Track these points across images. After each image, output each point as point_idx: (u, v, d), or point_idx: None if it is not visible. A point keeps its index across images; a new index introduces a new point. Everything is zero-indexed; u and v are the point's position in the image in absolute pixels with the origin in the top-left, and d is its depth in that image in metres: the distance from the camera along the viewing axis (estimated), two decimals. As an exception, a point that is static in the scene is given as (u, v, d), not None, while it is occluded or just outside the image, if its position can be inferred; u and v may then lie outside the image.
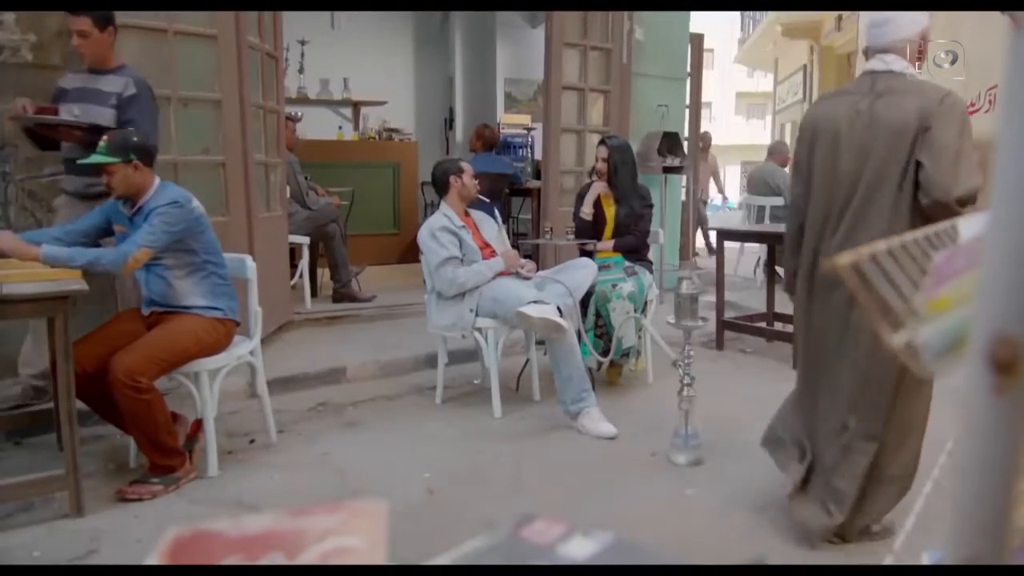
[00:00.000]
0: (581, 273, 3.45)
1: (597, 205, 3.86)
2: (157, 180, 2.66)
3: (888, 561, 1.98)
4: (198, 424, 2.74)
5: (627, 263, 3.69)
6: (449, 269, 3.31)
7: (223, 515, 0.97)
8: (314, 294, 5.18)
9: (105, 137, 2.57)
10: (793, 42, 12.96)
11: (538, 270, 3.73)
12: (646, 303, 3.65)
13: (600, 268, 3.58)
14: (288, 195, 4.70)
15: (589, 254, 3.80)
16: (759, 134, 25.45)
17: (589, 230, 3.85)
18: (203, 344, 2.63)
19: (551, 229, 4.12)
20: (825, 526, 2.19)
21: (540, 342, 3.53)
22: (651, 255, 4.04)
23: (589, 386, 3.19)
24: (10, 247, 2.45)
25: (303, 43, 7.23)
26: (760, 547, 2.21)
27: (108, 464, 2.81)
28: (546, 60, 5.09)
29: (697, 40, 6.80)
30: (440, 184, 3.53)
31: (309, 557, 0.38)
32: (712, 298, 4.68)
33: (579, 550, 0.40)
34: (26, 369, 3.11)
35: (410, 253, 6.61)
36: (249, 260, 2.91)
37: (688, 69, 6.47)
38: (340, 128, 7.46)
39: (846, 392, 2.17)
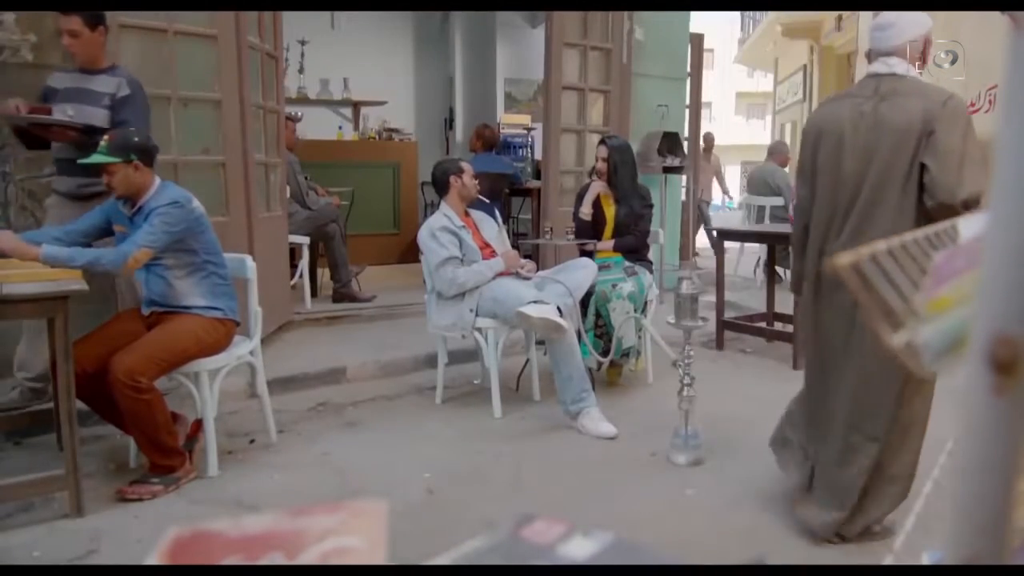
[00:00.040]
0: (581, 273, 3.45)
1: (597, 205, 3.86)
2: (157, 180, 2.66)
3: (888, 561, 1.98)
4: (198, 424, 2.74)
5: (627, 263, 3.69)
6: (449, 269, 3.31)
7: (223, 515, 0.97)
8: (314, 294, 5.18)
9: (106, 137, 2.57)
10: (793, 42, 12.97)
11: (538, 270, 3.73)
12: (646, 303, 3.65)
13: (600, 268, 3.58)
14: (288, 195, 4.70)
15: (589, 254, 3.80)
16: (759, 134, 25.46)
17: (588, 230, 3.85)
18: (203, 344, 2.63)
19: (551, 229, 4.12)
20: (827, 525, 2.20)
21: (540, 342, 3.53)
22: (651, 255, 4.04)
23: (589, 386, 3.19)
24: (10, 247, 2.45)
25: (303, 43, 7.23)
26: (760, 547, 2.21)
27: (108, 464, 2.81)
28: (546, 60, 5.09)
29: (697, 40, 6.80)
30: (440, 184, 3.53)
31: (309, 557, 0.38)
32: (712, 298, 4.68)
33: (579, 550, 0.40)
34: (22, 372, 3.10)
35: (410, 253, 6.61)
36: (249, 260, 2.91)
37: (688, 69, 6.47)
38: (340, 128, 7.46)
39: (851, 392, 2.19)
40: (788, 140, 13.45)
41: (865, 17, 7.60)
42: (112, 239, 2.70)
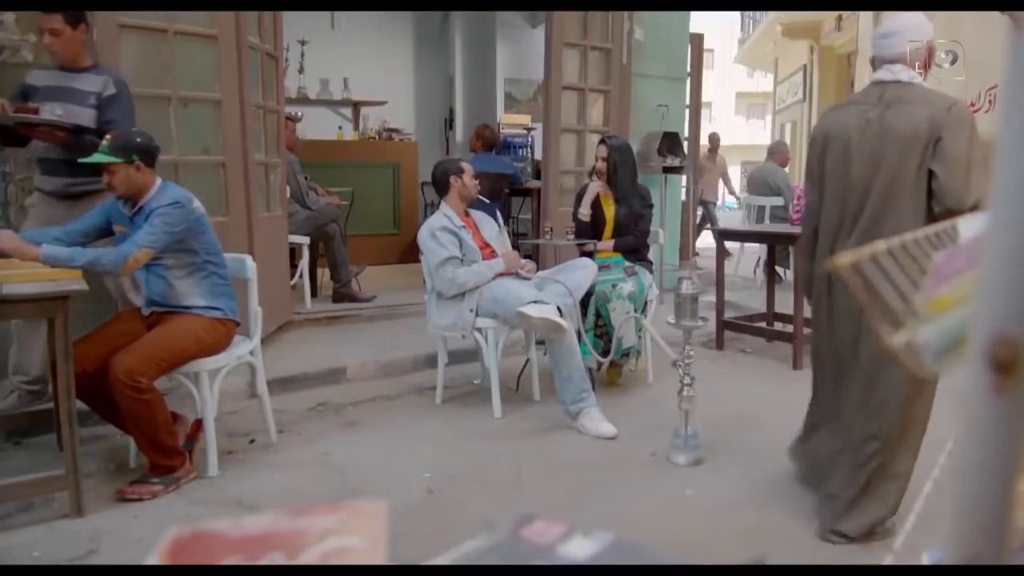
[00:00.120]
0: (581, 273, 3.46)
1: (596, 205, 3.86)
2: (158, 180, 2.65)
3: (888, 561, 1.99)
4: (198, 424, 2.74)
5: (627, 263, 3.69)
6: (449, 269, 3.31)
7: (223, 515, 0.97)
8: (314, 294, 5.18)
9: (108, 137, 2.57)
10: (793, 42, 12.97)
11: (538, 270, 3.73)
12: (646, 303, 3.65)
13: (600, 268, 3.58)
14: (288, 195, 4.70)
15: (589, 254, 3.80)
16: (759, 134, 25.47)
17: (587, 231, 3.85)
18: (203, 344, 2.63)
19: (551, 229, 4.12)
20: (830, 524, 2.22)
21: (540, 342, 3.53)
22: (651, 255, 4.04)
23: (589, 386, 3.19)
24: (10, 247, 2.44)
25: (303, 43, 7.23)
26: (760, 547, 2.21)
27: (108, 464, 2.81)
28: (546, 60, 5.09)
29: (697, 40, 6.80)
30: (440, 184, 3.53)
31: (309, 557, 0.38)
32: (712, 298, 4.68)
33: (579, 550, 0.40)
34: (17, 376, 3.10)
35: (410, 253, 6.61)
36: (249, 260, 2.91)
37: (688, 69, 6.47)
38: (340, 128, 7.47)
39: (859, 392, 2.22)
40: (788, 140, 13.46)
41: (865, 17, 7.59)
42: (112, 239, 2.70)
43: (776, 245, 4.95)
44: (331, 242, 5.10)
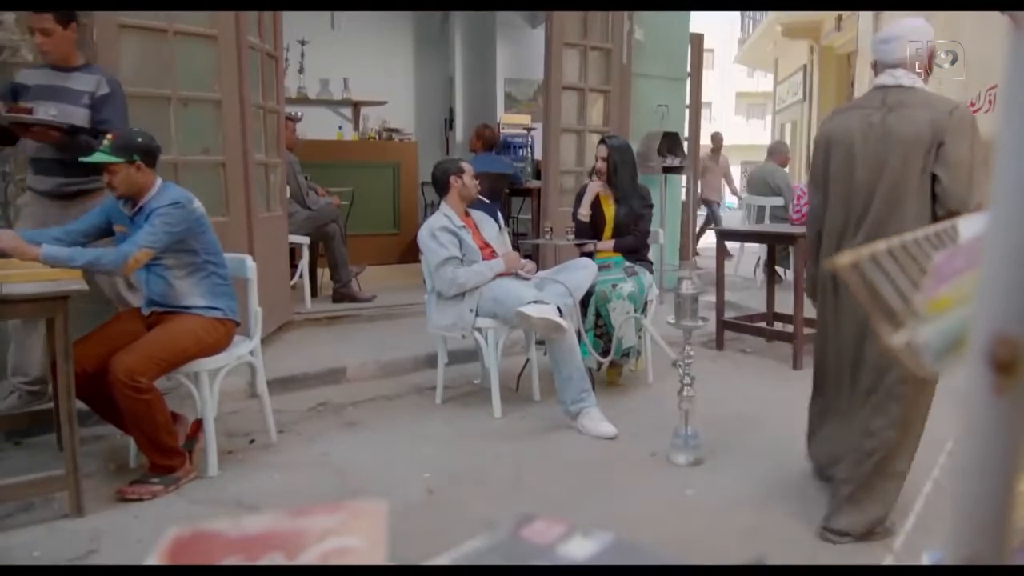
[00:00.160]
0: (581, 273, 3.45)
1: (596, 205, 3.86)
2: (159, 181, 2.65)
3: (888, 561, 1.99)
4: (198, 424, 2.74)
5: (627, 263, 3.69)
6: (449, 269, 3.31)
7: (223, 515, 0.97)
8: (314, 294, 5.18)
9: (110, 136, 2.57)
10: (793, 42, 12.97)
11: (538, 270, 3.73)
12: (646, 303, 3.65)
13: (600, 268, 3.58)
14: (288, 195, 4.69)
15: (589, 254, 3.80)
16: (759, 134, 25.46)
17: (587, 231, 3.85)
18: (203, 344, 2.63)
19: (551, 229, 4.12)
20: (827, 520, 2.23)
21: (540, 342, 3.53)
22: (651, 255, 4.04)
23: (589, 386, 3.19)
24: (11, 246, 2.44)
25: (303, 43, 7.23)
26: (760, 547, 2.21)
27: (108, 464, 2.81)
28: (546, 60, 5.09)
29: (697, 40, 6.80)
30: (440, 184, 3.53)
31: (309, 557, 0.38)
32: (712, 298, 4.68)
33: (579, 550, 0.40)
34: (16, 378, 3.10)
35: (410, 253, 6.61)
36: (249, 260, 2.91)
37: (688, 69, 6.47)
38: (340, 128, 7.46)
39: (863, 391, 2.25)
40: (788, 140, 13.46)
41: (865, 17, 7.60)
42: (112, 239, 2.70)
43: (776, 245, 4.95)
44: (331, 242, 5.10)
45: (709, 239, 8.35)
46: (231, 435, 3.08)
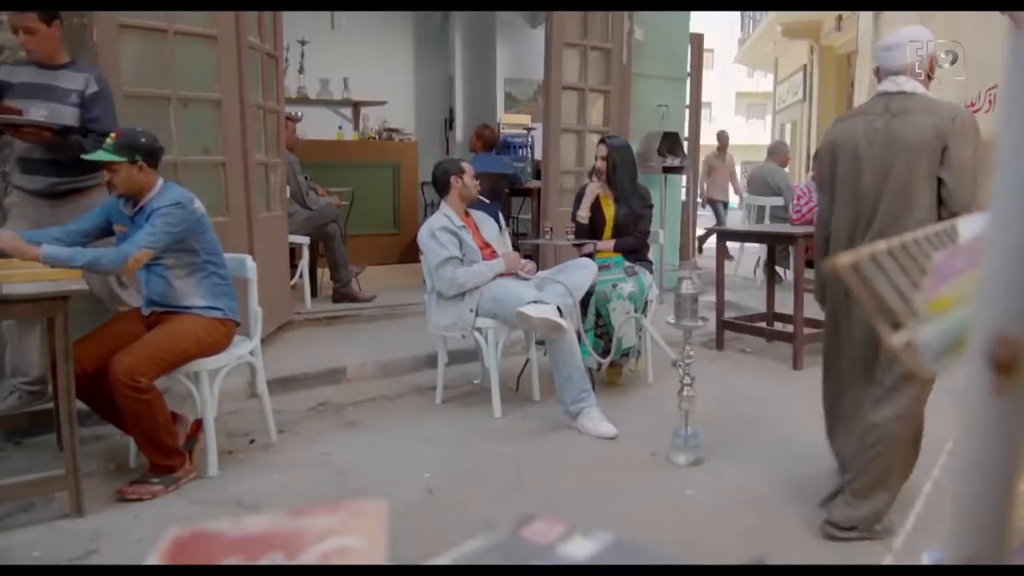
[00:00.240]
0: (581, 273, 3.45)
1: (596, 206, 3.86)
2: (160, 181, 2.65)
3: (888, 561, 1.99)
4: (198, 424, 2.74)
5: (627, 263, 3.69)
6: (449, 269, 3.31)
7: (223, 515, 0.96)
8: (314, 294, 5.18)
9: (113, 135, 2.57)
10: (793, 42, 12.97)
11: (538, 270, 3.73)
12: (646, 303, 3.65)
13: (600, 268, 3.58)
14: (288, 195, 4.69)
15: (589, 255, 3.80)
16: (759, 134, 25.45)
17: (586, 233, 3.86)
18: (203, 344, 2.63)
19: (551, 229, 4.12)
20: (836, 513, 2.24)
21: (540, 342, 3.53)
22: (651, 255, 4.04)
23: (589, 386, 3.19)
24: (11, 246, 2.44)
25: (303, 43, 7.23)
26: (760, 547, 2.21)
27: (108, 464, 2.81)
28: (546, 60, 5.09)
29: (697, 40, 6.80)
30: (441, 184, 3.53)
31: (309, 557, 0.38)
32: (712, 298, 4.68)
33: (579, 550, 0.40)
34: (16, 378, 3.10)
35: (410, 253, 6.61)
36: (249, 260, 2.91)
37: (688, 69, 6.47)
38: (340, 128, 7.46)
39: (872, 392, 2.27)
40: (788, 140, 13.45)
41: (865, 17, 7.60)
42: (112, 239, 2.70)
43: (776, 245, 4.95)
44: (331, 242, 5.10)
45: (714, 239, 8.36)
46: (231, 435, 3.08)
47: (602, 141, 3.90)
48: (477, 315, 3.33)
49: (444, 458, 2.89)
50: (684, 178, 6.52)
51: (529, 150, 6.87)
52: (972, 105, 5.16)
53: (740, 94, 29.25)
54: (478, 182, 3.61)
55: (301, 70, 7.28)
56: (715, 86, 25.35)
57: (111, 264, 2.50)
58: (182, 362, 2.59)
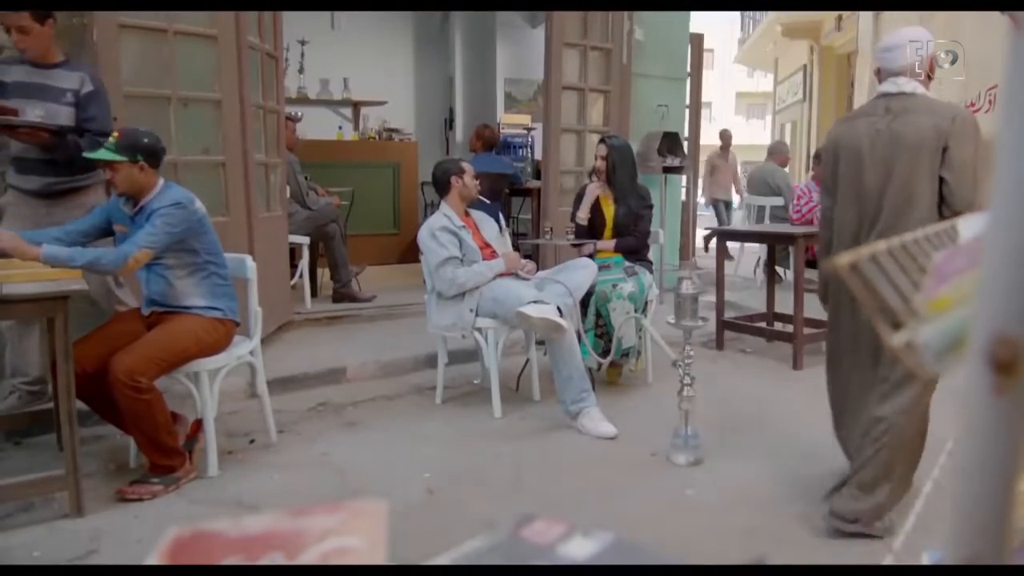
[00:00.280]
0: (581, 273, 3.45)
1: (596, 206, 3.86)
2: (161, 181, 2.65)
3: (888, 561, 1.99)
4: (198, 424, 2.74)
5: (627, 263, 3.69)
6: (449, 269, 3.31)
7: (223, 515, 0.97)
8: (314, 294, 5.18)
9: (115, 134, 2.57)
10: (793, 42, 12.97)
11: (538, 270, 3.73)
12: (646, 303, 3.65)
13: (600, 268, 3.58)
14: (288, 195, 4.70)
15: (589, 254, 3.80)
16: (759, 134, 25.45)
17: (585, 233, 3.86)
18: (203, 344, 2.63)
19: (551, 229, 4.12)
20: (839, 505, 2.25)
21: (540, 342, 3.53)
22: (651, 255, 4.04)
23: (589, 386, 3.19)
24: (11, 246, 2.44)
25: (303, 43, 7.23)
26: (760, 547, 2.21)
27: (108, 464, 2.81)
28: (546, 60, 5.09)
29: (697, 40, 6.80)
30: (441, 184, 3.53)
31: (309, 557, 0.38)
32: (712, 298, 4.68)
33: (579, 550, 0.40)
34: (16, 378, 3.10)
35: (410, 253, 6.61)
36: (249, 260, 2.91)
37: (688, 69, 6.47)
38: (340, 128, 7.46)
39: (877, 390, 2.27)
40: (788, 140, 13.45)
41: (865, 17, 7.60)
42: (112, 239, 2.70)
43: (776, 245, 4.95)
44: (331, 242, 5.10)
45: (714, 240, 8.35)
46: (231, 435, 3.08)
47: (602, 141, 3.90)
48: (477, 315, 3.33)
49: (444, 458, 2.89)
50: (684, 178, 6.52)
51: (529, 150, 6.87)
52: (972, 105, 5.16)
53: (740, 94, 29.25)
54: (478, 182, 3.61)
55: (301, 70, 7.28)
56: (715, 86, 25.35)
57: (111, 264, 2.50)
58: (182, 362, 2.59)
